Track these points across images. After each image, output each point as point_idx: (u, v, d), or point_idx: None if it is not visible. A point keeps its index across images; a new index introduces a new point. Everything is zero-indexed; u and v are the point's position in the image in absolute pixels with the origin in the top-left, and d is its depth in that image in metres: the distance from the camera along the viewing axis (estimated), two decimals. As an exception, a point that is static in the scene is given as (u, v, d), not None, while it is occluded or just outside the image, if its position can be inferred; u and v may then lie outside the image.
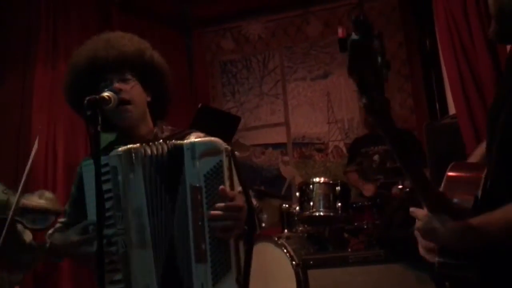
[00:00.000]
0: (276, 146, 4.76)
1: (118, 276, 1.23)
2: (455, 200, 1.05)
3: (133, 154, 1.29)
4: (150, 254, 1.25)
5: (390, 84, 4.47)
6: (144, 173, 1.29)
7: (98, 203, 1.18)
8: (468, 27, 2.42)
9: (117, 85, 1.42)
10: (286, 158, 4.74)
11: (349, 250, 2.93)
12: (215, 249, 1.23)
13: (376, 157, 3.57)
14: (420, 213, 1.06)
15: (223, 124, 3.01)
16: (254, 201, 1.41)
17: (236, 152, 1.34)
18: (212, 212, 1.23)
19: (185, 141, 1.32)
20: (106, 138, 1.74)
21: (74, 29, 3.44)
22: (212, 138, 1.31)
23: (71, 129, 3.20)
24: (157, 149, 1.31)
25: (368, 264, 2.59)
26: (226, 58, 4.96)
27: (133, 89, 1.45)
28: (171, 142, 1.33)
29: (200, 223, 1.23)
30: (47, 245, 1.47)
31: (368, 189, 3.51)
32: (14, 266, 2.05)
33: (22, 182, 1.94)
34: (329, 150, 4.62)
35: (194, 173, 1.26)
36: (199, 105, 2.85)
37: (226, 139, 3.16)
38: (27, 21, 3.26)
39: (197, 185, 1.24)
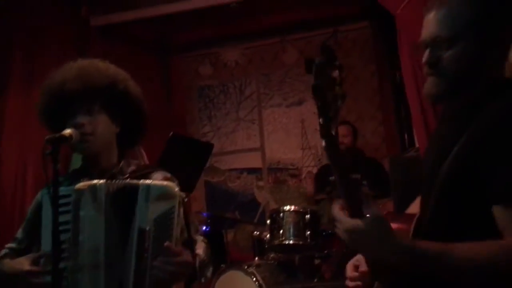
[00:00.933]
0: (251, 171, 4.81)
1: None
2: None
3: (98, 191, 1.31)
4: None
5: (362, 111, 4.59)
6: (105, 211, 1.30)
7: (54, 237, 1.20)
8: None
9: (79, 119, 1.43)
10: (261, 183, 4.79)
11: (315, 280, 2.96)
12: None
13: None
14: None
15: (195, 152, 3.04)
16: (203, 253, 1.44)
17: (185, 199, 1.36)
18: (156, 263, 1.25)
19: (141, 181, 1.33)
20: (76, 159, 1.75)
21: (51, 54, 3.43)
22: (168, 183, 1.33)
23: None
24: (117, 187, 1.33)
25: (333, 294, 2.62)
26: (203, 83, 5.03)
27: (97, 121, 1.46)
28: (127, 181, 1.35)
29: (143, 268, 1.25)
30: None
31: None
32: None
33: None
34: (303, 176, 4.69)
35: (145, 215, 1.27)
36: (170, 134, 2.88)
37: (199, 167, 3.22)
38: (2, 44, 3.27)
39: (146, 228, 1.25)
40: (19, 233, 1.52)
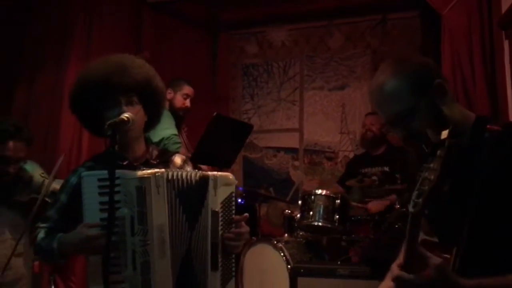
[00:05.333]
0: (288, 150, 4.95)
1: (120, 277, 1.44)
2: None
3: (160, 178, 1.49)
4: (168, 264, 1.48)
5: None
6: (167, 195, 1.50)
7: (110, 213, 1.37)
8: (471, 67, 2.55)
9: (125, 108, 1.60)
10: (296, 163, 4.93)
11: (339, 263, 3.10)
12: (225, 261, 1.57)
13: (374, 178, 3.72)
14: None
15: (235, 132, 3.21)
16: None
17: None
18: (227, 235, 1.56)
19: (210, 173, 1.59)
20: None
21: (107, 29, 3.65)
22: (228, 173, 1.62)
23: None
24: (177, 175, 1.54)
25: (355, 278, 2.75)
26: (248, 61, 5.15)
27: (136, 111, 1.62)
28: (197, 172, 1.58)
29: (216, 241, 1.55)
30: (53, 246, 1.55)
31: (374, 206, 3.64)
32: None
33: (54, 169, 2.27)
34: (339, 160, 4.79)
35: (214, 200, 1.56)
36: (214, 114, 3.06)
37: (238, 145, 3.40)
38: (63, 20, 3.50)
39: (216, 210, 1.56)
40: (53, 214, 1.64)
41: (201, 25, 4.96)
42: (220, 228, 1.55)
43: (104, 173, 1.46)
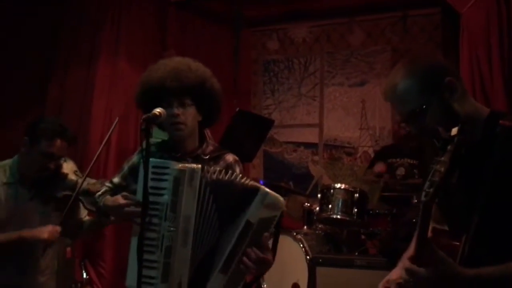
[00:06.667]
0: (308, 145, 5.04)
1: (153, 257, 1.58)
2: None
3: (195, 173, 1.60)
4: (188, 253, 1.59)
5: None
6: (199, 190, 1.60)
7: (144, 202, 1.52)
8: (489, 65, 2.60)
9: (175, 110, 1.75)
10: (316, 157, 5.02)
11: (356, 254, 3.19)
12: (236, 271, 1.58)
13: (400, 170, 3.77)
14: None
15: (257, 127, 3.33)
16: None
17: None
18: (249, 250, 1.56)
19: (262, 187, 1.60)
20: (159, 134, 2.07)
21: (134, 26, 3.82)
22: (280, 197, 1.61)
23: (125, 115, 3.62)
24: (219, 174, 1.62)
25: (372, 269, 2.84)
26: (270, 57, 5.25)
27: (188, 113, 1.77)
28: (249, 181, 1.62)
29: (237, 249, 1.57)
30: (100, 204, 1.83)
31: (378, 166, 3.74)
32: (66, 234, 2.43)
33: (89, 167, 2.37)
34: (358, 155, 4.86)
35: (255, 213, 1.57)
36: (237, 109, 3.17)
37: (259, 140, 3.51)
38: (95, 16, 3.68)
39: (253, 222, 1.57)
40: (116, 179, 1.90)
41: (223, 22, 5.07)
42: (247, 240, 1.56)
43: (158, 161, 1.61)
